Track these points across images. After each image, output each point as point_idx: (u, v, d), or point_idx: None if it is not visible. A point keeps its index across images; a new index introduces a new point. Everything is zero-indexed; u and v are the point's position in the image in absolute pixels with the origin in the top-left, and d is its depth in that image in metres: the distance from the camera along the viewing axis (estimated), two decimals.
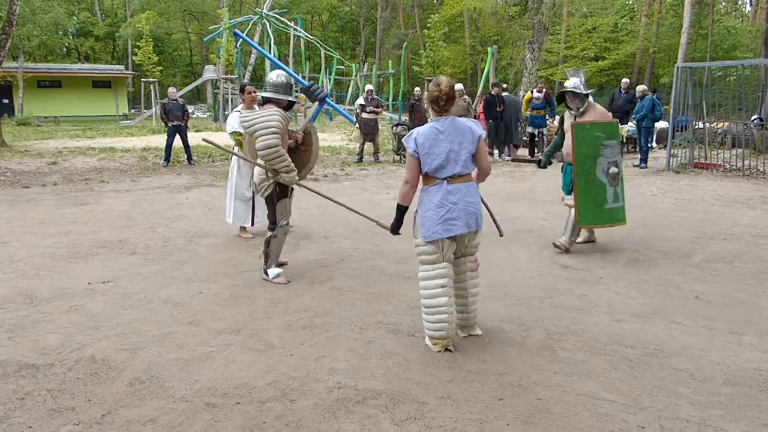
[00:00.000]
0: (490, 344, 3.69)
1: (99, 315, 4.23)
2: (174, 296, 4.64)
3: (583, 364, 3.40)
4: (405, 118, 26.22)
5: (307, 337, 3.82)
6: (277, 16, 30.11)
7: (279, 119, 4.58)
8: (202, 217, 7.64)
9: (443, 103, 3.53)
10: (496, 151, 14.12)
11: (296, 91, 26.53)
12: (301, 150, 5.12)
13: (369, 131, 13.57)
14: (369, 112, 13.45)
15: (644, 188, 10.06)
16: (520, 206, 8.41)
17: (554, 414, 2.88)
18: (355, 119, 13.74)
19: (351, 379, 3.25)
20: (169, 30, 44.37)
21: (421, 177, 3.62)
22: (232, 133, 6.40)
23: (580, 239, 6.18)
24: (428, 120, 3.74)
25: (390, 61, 30.83)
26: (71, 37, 45.80)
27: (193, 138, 13.20)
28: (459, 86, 13.73)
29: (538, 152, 14.00)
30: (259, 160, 4.80)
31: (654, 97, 12.94)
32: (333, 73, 31.60)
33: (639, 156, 12.87)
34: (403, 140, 3.68)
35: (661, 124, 14.80)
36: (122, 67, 37.58)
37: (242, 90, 6.42)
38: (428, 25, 23.45)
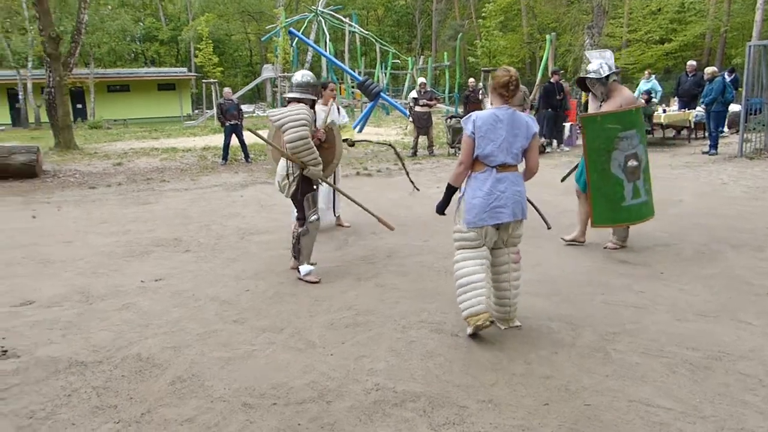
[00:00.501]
0: (537, 345, 3.52)
1: (149, 313, 4.31)
2: (221, 294, 4.68)
3: (638, 368, 3.19)
4: (461, 110, 25.91)
5: (348, 336, 3.76)
6: (332, 13, 30.25)
7: (307, 113, 4.63)
8: (256, 215, 7.73)
9: (513, 88, 3.51)
10: (554, 141, 13.68)
11: (352, 87, 26.70)
12: (324, 148, 5.10)
13: (422, 125, 13.42)
14: (422, 106, 13.29)
15: (714, 176, 9.49)
16: (575, 198, 8.05)
17: (603, 421, 2.70)
18: (408, 113, 13.60)
19: (390, 380, 3.16)
20: (229, 31, 45.43)
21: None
22: None
23: (568, 237, 5.80)
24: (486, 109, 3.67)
25: (445, 53, 30.46)
26: (138, 43, 47.67)
27: (249, 137, 13.42)
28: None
29: None
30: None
31: (728, 78, 12.17)
32: (388, 68, 31.53)
33: (708, 142, 12.18)
34: (462, 121, 3.65)
35: (734, 108, 13.94)
36: (185, 69, 38.77)
37: (324, 87, 6.46)
38: (483, 14, 22.97)
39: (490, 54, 21.56)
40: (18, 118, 33.03)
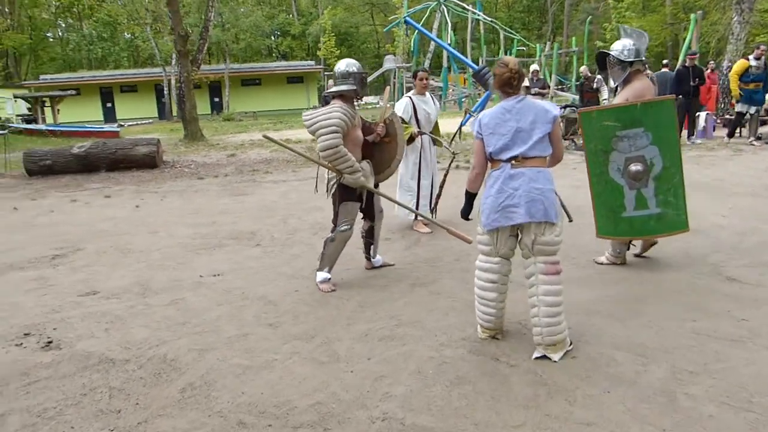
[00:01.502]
0: (589, 380, 2.94)
1: (192, 310, 4.24)
2: (270, 293, 4.52)
3: (710, 422, 2.53)
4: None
5: (378, 351, 3.41)
6: (455, 0, 29.61)
7: (340, 116, 4.20)
8: None
9: (516, 83, 3.19)
10: (684, 133, 12.23)
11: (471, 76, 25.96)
12: (386, 142, 4.70)
13: None
14: (534, 94, 12.47)
15: None
16: (699, 199, 7.01)
17: None
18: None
19: (402, 409, 2.77)
20: (354, 24, 46.21)
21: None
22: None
23: (637, 250, 4.91)
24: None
25: (573, 39, 28.69)
26: (273, 38, 50.07)
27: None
28: None
29: (749, 137, 11.81)
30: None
31: None
32: (513, 55, 30.27)
33: None
34: (469, 124, 3.23)
35: None
36: (312, 62, 40.02)
37: (415, 76, 6.25)
38: None
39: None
40: (163, 112, 35.96)
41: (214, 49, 43.67)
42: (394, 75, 27.75)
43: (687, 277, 4.38)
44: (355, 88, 4.40)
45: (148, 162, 12.49)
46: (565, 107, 12.71)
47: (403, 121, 5.99)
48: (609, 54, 4.54)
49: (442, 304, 4.09)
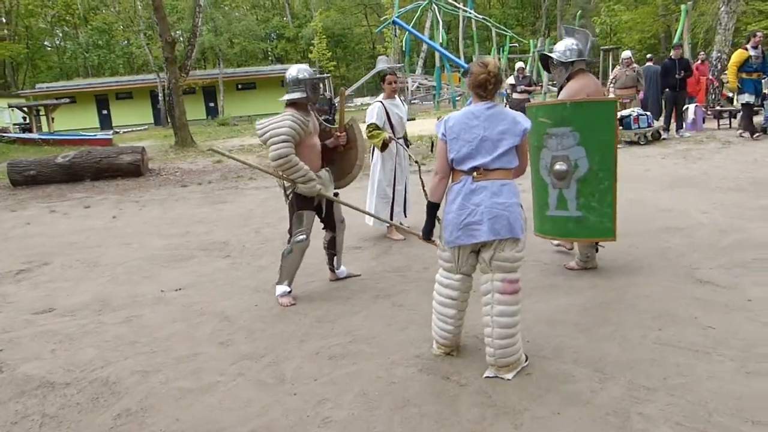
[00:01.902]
0: (541, 399, 2.77)
1: (146, 328, 4.10)
2: (229, 308, 4.36)
3: None
4: None
5: (326, 371, 3.25)
6: None
7: (290, 124, 4.07)
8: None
9: (491, 87, 2.97)
10: (673, 126, 12.05)
11: (460, 74, 25.77)
12: (347, 149, 4.54)
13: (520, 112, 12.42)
14: (520, 92, 12.32)
15: None
16: (682, 194, 6.87)
17: None
18: (504, 101, 12.66)
19: None
20: (347, 25, 46.05)
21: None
22: (369, 124, 5.93)
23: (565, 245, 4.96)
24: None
25: None
26: (271, 40, 49.92)
27: None
28: (627, 54, 12.01)
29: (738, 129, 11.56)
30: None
31: None
32: (505, 52, 30.07)
33: None
34: (436, 125, 3.08)
35: None
36: (306, 65, 39.81)
37: (383, 79, 6.00)
38: None
39: (610, 32, 19.60)
40: (158, 118, 35.86)
41: (209, 53, 43.60)
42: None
43: (659, 280, 4.21)
44: (306, 95, 4.25)
45: (133, 170, 12.36)
46: None
47: (376, 127, 5.84)
48: (551, 56, 4.44)
49: (402, 317, 3.93)
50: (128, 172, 12.34)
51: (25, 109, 28.94)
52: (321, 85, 4.37)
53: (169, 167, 13.60)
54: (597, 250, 4.62)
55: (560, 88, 4.68)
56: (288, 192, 4.35)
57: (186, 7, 35.11)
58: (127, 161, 12.33)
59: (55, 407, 3.09)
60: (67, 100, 30.19)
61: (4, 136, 22.66)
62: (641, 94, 12.39)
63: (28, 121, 29.09)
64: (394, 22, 17.91)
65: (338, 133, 4.61)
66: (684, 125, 12.04)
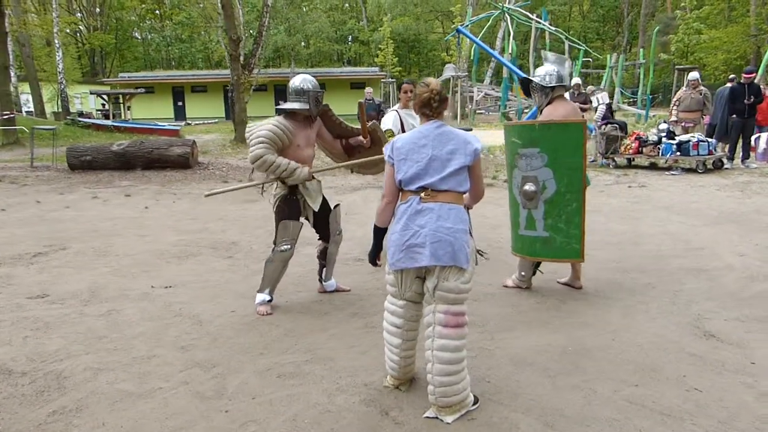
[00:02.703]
0: None
1: (119, 323, 4.09)
2: (206, 311, 4.31)
3: None
4: (656, 114, 22.92)
5: (269, 390, 3.12)
6: (519, 9, 28.78)
7: (270, 128, 4.06)
8: None
9: (436, 105, 2.84)
10: (739, 155, 11.23)
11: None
12: (375, 147, 4.68)
13: None
14: None
15: None
16: (723, 232, 6.33)
17: None
18: (601, 117, 12.14)
19: None
20: (419, 32, 45.97)
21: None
22: (385, 131, 5.94)
23: (562, 280, 4.79)
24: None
25: (641, 51, 27.22)
26: (344, 43, 50.63)
27: None
28: (694, 75, 11.33)
29: None
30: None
31: None
32: (578, 66, 29.08)
33: None
34: (384, 148, 2.92)
35: None
36: (377, 68, 40.07)
37: (399, 88, 5.97)
38: (681, 4, 19.95)
39: (686, 50, 18.56)
40: (229, 112, 36.92)
41: (283, 52, 44.57)
42: (455, 83, 27.27)
43: (658, 327, 3.83)
44: (308, 107, 4.16)
45: (182, 163, 12.69)
46: (606, 123, 11.95)
47: (392, 133, 5.73)
48: (532, 80, 4.42)
49: (368, 340, 3.74)
50: (177, 164, 12.68)
51: (105, 96, 30.52)
52: (321, 98, 4.29)
53: (218, 162, 13.88)
54: (534, 273, 4.66)
55: (540, 112, 4.54)
56: (276, 200, 4.30)
57: (256, 5, 36.00)
58: (176, 153, 12.67)
59: (0, 396, 3.10)
60: (142, 90, 31.52)
61: (81, 121, 23.90)
62: (707, 119, 11.65)
63: (107, 108, 30.69)
64: (458, 31, 17.55)
65: (363, 139, 4.65)
66: (752, 155, 11.20)
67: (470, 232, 2.84)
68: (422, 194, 2.78)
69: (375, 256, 3.08)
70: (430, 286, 2.77)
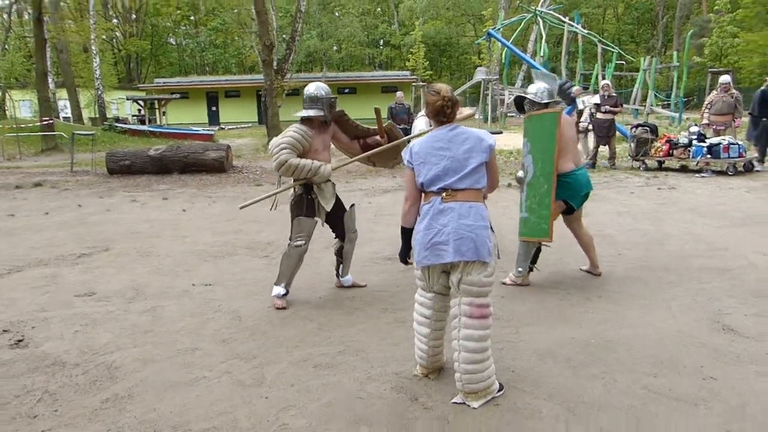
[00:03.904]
0: None
1: (163, 319, 4.35)
2: (243, 307, 4.55)
3: None
4: (690, 116, 22.62)
5: (305, 378, 3.32)
6: (552, 12, 28.69)
7: (291, 134, 4.32)
8: (364, 223, 7.49)
9: (450, 111, 3.02)
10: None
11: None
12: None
13: (604, 133, 11.94)
14: (605, 112, 11.81)
15: None
16: (748, 233, 6.34)
17: None
18: (589, 119, 12.17)
19: None
20: (451, 35, 46.05)
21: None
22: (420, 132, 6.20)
23: (584, 267, 5.17)
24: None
25: (675, 54, 26.86)
26: (376, 47, 51.02)
27: None
28: (725, 78, 11.23)
29: None
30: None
31: None
32: (611, 69, 28.84)
33: None
34: (402, 152, 3.11)
35: None
36: (408, 72, 40.29)
37: None
38: (715, 7, 19.68)
39: (720, 53, 18.31)
40: (262, 117, 37.55)
41: (315, 56, 45.15)
42: (486, 86, 27.31)
43: (680, 323, 3.92)
44: (323, 113, 4.39)
45: (217, 166, 13.06)
46: (637, 126, 11.92)
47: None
48: (526, 97, 4.78)
49: (399, 333, 3.93)
50: (212, 167, 13.06)
51: (141, 102, 31.36)
52: (336, 103, 4.57)
53: (252, 166, 14.24)
54: (531, 269, 4.89)
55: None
56: (292, 200, 4.54)
57: (289, 10, 36.54)
58: (212, 157, 13.06)
59: (57, 385, 3.35)
60: (177, 96, 32.29)
61: (117, 126, 24.67)
62: (738, 122, 11.54)
63: (143, 113, 31.55)
64: (489, 35, 17.75)
65: (380, 138, 4.88)
66: None
67: (491, 227, 3.01)
68: (443, 194, 2.95)
69: (406, 254, 3.27)
70: (455, 281, 2.95)
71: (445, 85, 3.08)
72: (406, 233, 3.18)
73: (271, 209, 4.89)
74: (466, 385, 2.91)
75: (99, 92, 30.61)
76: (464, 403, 2.93)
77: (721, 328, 3.80)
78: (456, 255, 2.88)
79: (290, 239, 4.57)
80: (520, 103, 4.89)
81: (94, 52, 30.36)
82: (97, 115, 31.21)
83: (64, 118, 32.47)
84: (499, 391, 3.02)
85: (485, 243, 2.91)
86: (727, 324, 3.86)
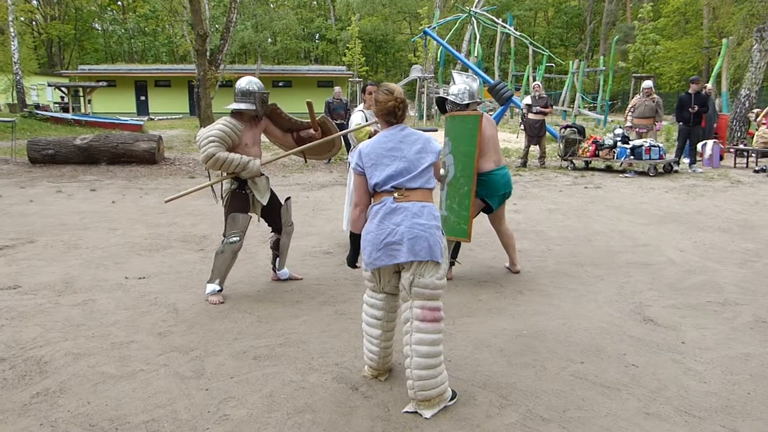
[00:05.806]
0: (433, 420, 2.79)
1: (96, 312, 4.23)
2: (181, 301, 4.48)
3: None
4: (614, 119, 23.72)
5: (245, 370, 3.32)
6: (485, 13, 29.36)
7: (220, 127, 4.32)
8: (302, 218, 7.50)
9: (400, 112, 3.02)
10: (686, 160, 11.85)
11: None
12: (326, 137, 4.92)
13: (534, 133, 12.38)
14: (536, 113, 12.25)
15: None
16: (667, 231, 6.78)
17: None
18: (521, 120, 12.59)
19: None
20: (387, 32, 46.34)
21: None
22: (357, 125, 6.21)
23: (507, 264, 5.33)
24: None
25: (602, 58, 28.11)
26: (312, 41, 50.59)
27: None
28: (647, 83, 11.86)
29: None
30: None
31: None
32: (541, 71, 29.84)
33: None
34: (349, 156, 3.13)
35: None
36: (344, 67, 40.23)
37: (364, 90, 6.22)
38: (639, 15, 20.75)
39: (643, 59, 19.34)
40: (193, 108, 36.56)
41: (250, 48, 44.34)
42: (422, 84, 27.64)
43: (604, 314, 4.17)
44: (254, 107, 4.38)
45: (148, 158, 12.67)
46: (565, 127, 12.44)
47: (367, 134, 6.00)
48: (447, 99, 4.83)
49: (339, 325, 3.99)
50: (143, 159, 12.66)
51: (64, 89, 29.86)
52: (268, 98, 4.57)
53: (185, 158, 13.89)
54: (453, 264, 5.00)
55: None
56: (226, 194, 4.51)
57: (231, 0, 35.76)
58: (142, 148, 12.65)
59: None
60: (104, 84, 30.98)
61: (38, 114, 23.39)
62: (659, 125, 12.23)
63: (66, 100, 30.05)
64: (425, 33, 17.96)
65: (313, 132, 4.89)
66: (699, 160, 11.82)
67: (442, 230, 3.05)
68: (395, 194, 2.90)
69: (354, 259, 3.25)
70: (406, 283, 2.89)
71: (398, 86, 3.06)
72: (355, 239, 3.11)
73: (217, 202, 4.78)
74: (418, 393, 2.81)
75: (18, 77, 28.90)
76: (416, 413, 2.85)
77: (642, 319, 4.07)
78: (410, 255, 2.83)
79: (224, 235, 4.51)
80: (441, 104, 4.98)
81: (13, 34, 28.62)
82: (16, 102, 29.49)
83: None
84: (452, 399, 2.93)
85: (438, 243, 2.89)
86: (648, 315, 4.14)
